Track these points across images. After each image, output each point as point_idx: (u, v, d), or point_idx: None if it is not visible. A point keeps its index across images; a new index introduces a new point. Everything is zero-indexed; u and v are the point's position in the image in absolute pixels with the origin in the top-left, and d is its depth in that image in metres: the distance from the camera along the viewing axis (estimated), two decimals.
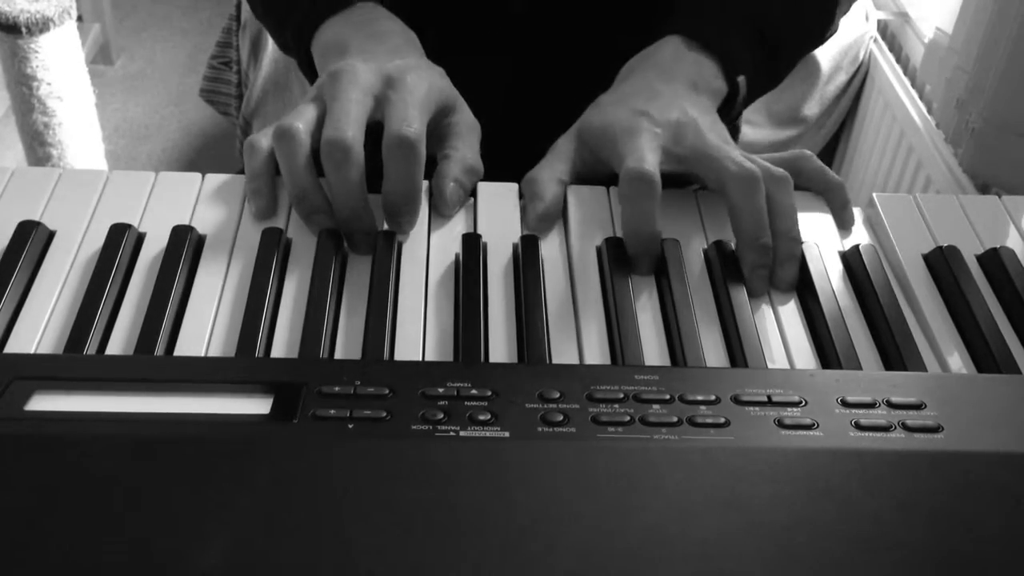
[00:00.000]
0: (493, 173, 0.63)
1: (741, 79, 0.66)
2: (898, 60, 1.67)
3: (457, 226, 0.59)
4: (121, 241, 0.55)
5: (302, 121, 0.56)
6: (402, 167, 0.56)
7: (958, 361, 0.52)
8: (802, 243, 0.57)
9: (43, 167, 1.62)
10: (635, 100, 0.61)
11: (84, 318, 0.50)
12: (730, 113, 0.66)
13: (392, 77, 0.58)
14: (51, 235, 0.56)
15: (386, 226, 0.58)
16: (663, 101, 0.61)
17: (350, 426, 0.42)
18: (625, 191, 0.56)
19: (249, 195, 0.59)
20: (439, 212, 0.60)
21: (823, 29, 0.72)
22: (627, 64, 0.66)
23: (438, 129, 0.62)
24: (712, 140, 0.59)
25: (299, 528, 0.37)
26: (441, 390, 0.44)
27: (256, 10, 0.73)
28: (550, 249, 0.57)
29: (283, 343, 0.50)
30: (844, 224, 0.62)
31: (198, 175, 0.61)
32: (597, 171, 0.62)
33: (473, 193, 0.61)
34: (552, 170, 0.61)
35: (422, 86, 0.59)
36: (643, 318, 0.53)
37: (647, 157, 0.57)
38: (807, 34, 0.71)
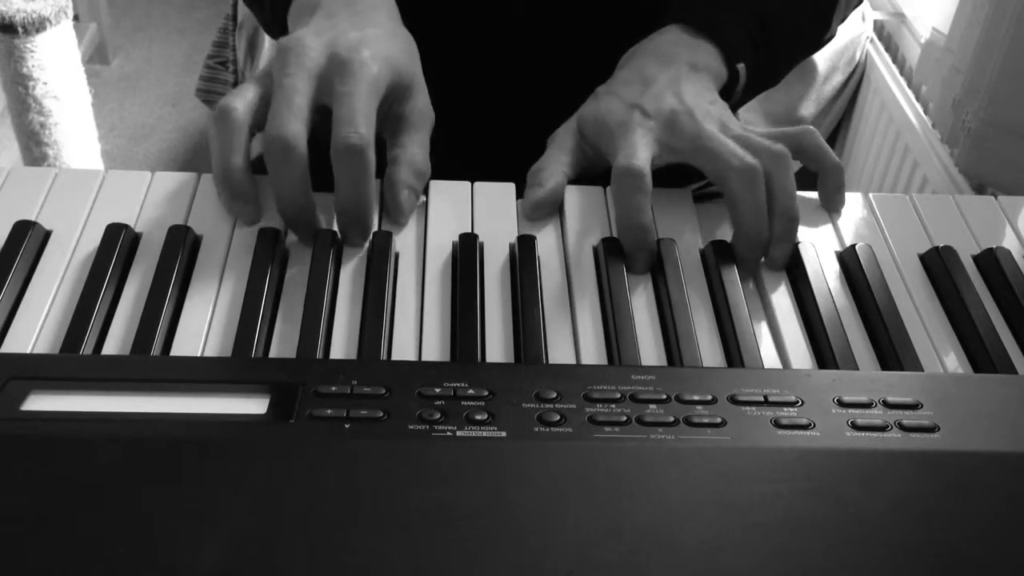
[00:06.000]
0: (493, 174, 0.63)
1: (741, 66, 0.65)
2: (894, 60, 1.67)
3: (453, 225, 0.59)
4: (117, 241, 0.55)
5: (241, 101, 0.55)
6: (353, 174, 0.54)
7: (954, 361, 0.52)
8: (798, 222, 0.57)
9: (39, 167, 1.61)
10: (627, 91, 0.61)
11: (80, 318, 0.50)
12: (728, 102, 0.66)
13: (341, 59, 0.56)
14: (47, 235, 0.56)
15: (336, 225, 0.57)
16: (656, 89, 0.61)
17: (347, 426, 0.42)
18: (615, 187, 0.57)
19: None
20: (394, 220, 0.59)
21: (820, 32, 0.72)
22: (626, 54, 0.66)
23: (390, 115, 0.60)
24: (709, 129, 0.58)
25: (296, 528, 0.37)
26: (438, 390, 0.44)
27: None
28: (547, 249, 0.57)
29: (280, 343, 0.50)
30: (832, 207, 0.62)
31: (194, 175, 0.61)
32: (599, 163, 0.63)
33: (471, 193, 0.61)
34: (555, 161, 0.62)
35: (372, 68, 0.56)
36: (640, 318, 0.53)
37: (638, 153, 0.57)
38: (803, 34, 0.71)
